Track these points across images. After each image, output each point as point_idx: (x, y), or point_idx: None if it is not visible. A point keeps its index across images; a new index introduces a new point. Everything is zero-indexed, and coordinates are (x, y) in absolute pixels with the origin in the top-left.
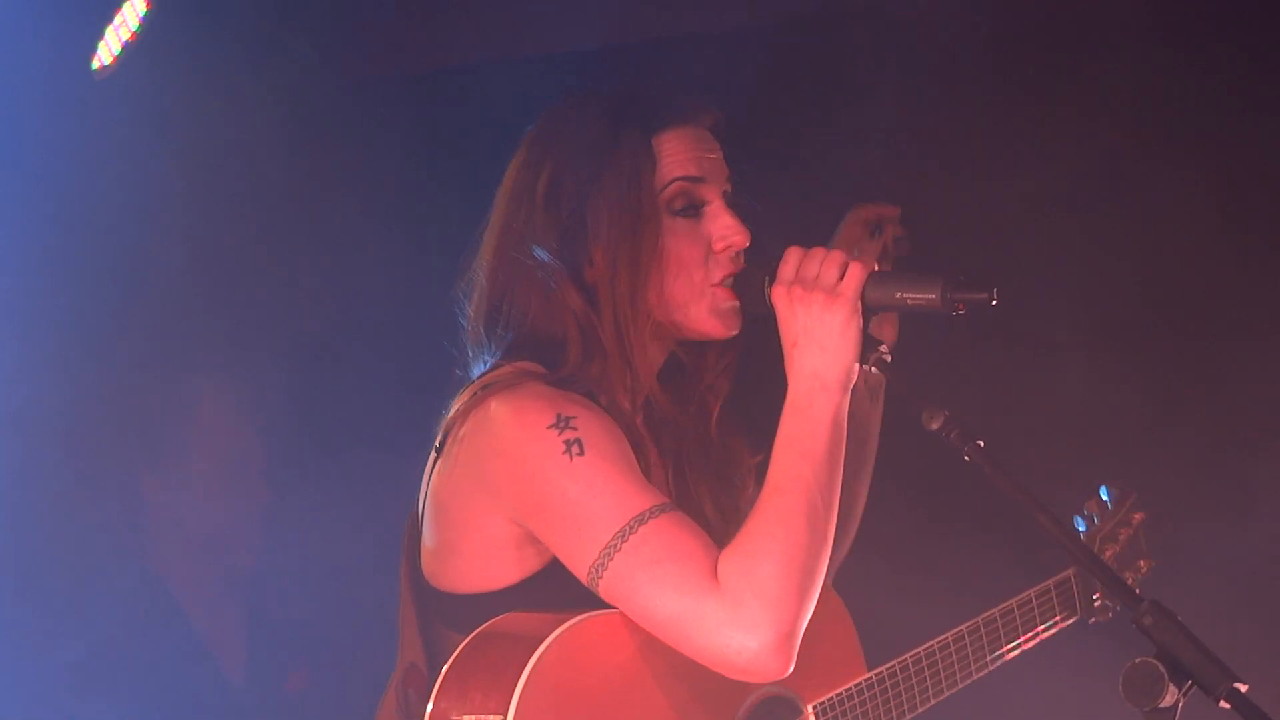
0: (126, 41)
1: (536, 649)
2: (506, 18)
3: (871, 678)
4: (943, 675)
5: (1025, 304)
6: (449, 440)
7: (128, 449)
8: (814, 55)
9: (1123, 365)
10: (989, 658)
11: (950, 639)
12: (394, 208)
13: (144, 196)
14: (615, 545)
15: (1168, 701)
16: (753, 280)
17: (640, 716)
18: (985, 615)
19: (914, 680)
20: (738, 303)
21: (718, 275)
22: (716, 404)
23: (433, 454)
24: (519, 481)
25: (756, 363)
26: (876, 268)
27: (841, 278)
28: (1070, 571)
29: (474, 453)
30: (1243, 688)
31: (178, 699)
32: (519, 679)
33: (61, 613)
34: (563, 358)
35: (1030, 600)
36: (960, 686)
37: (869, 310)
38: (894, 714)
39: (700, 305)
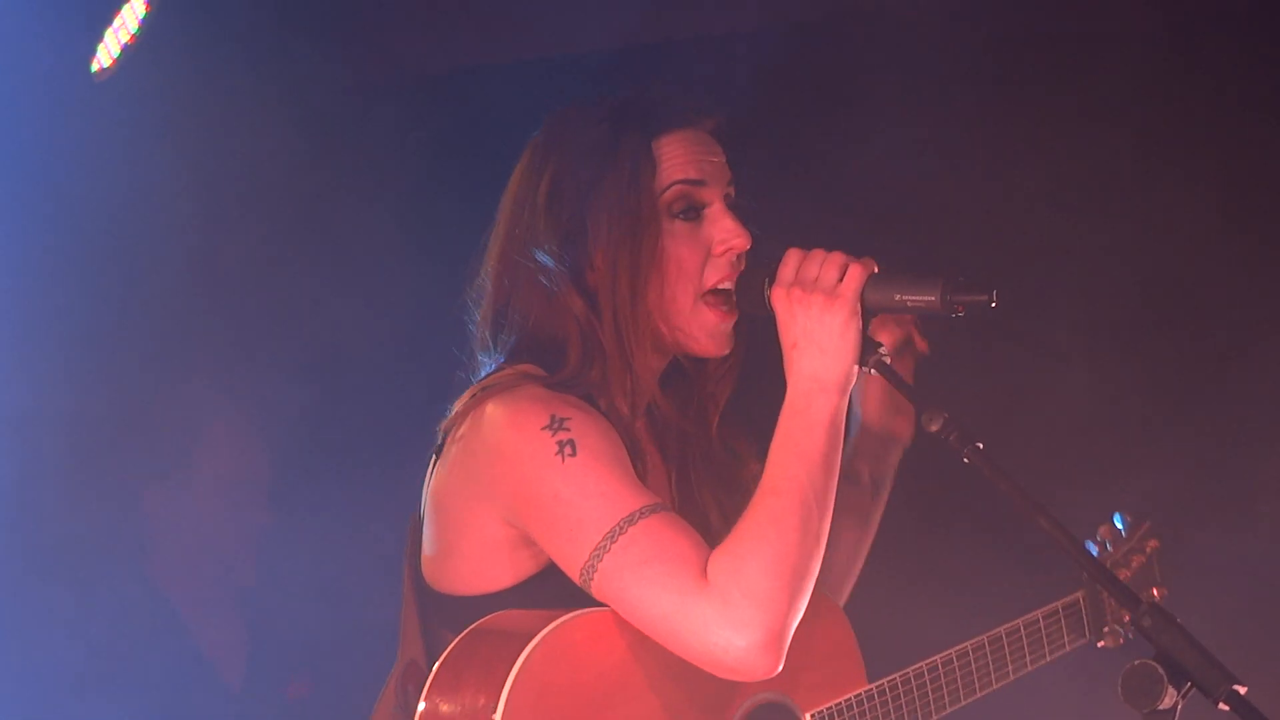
0: (126, 44)
1: (528, 644)
2: (512, 20)
3: (872, 689)
4: (945, 692)
5: (1026, 305)
6: (447, 442)
7: (130, 454)
8: (815, 57)
9: (1123, 366)
10: (993, 678)
11: (954, 655)
12: (398, 210)
13: (146, 199)
14: (605, 546)
15: (1167, 703)
16: (752, 282)
17: (630, 714)
18: (991, 634)
19: (915, 695)
20: (730, 323)
21: (715, 278)
22: (718, 408)
23: (433, 456)
24: (513, 482)
25: (759, 366)
26: (876, 269)
27: (841, 279)
28: (1079, 595)
29: (470, 454)
30: (1242, 690)
31: (178, 705)
32: (509, 674)
33: (63, 617)
34: (563, 361)
35: (1038, 622)
36: (963, 703)
37: (869, 312)
38: None
39: (692, 322)
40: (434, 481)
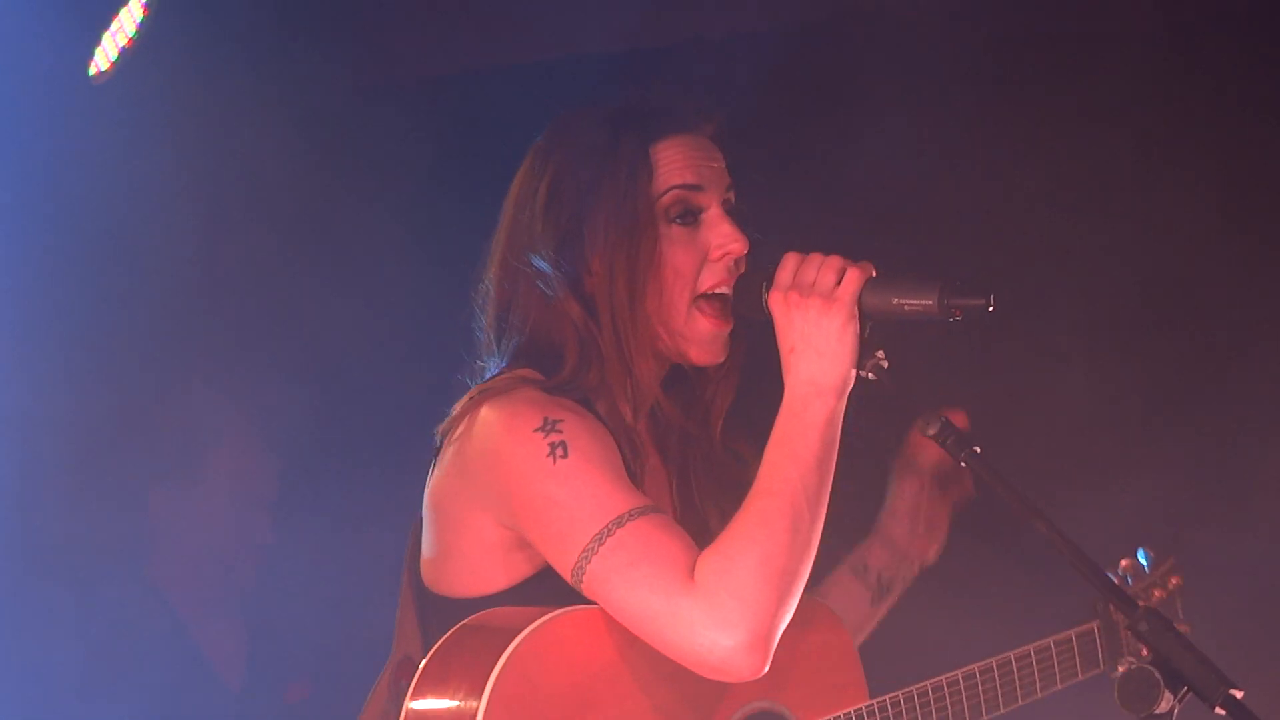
0: (123, 47)
1: (515, 638)
2: (514, 22)
3: (873, 705)
4: (950, 713)
5: (1025, 306)
6: (445, 445)
7: (131, 456)
8: (815, 59)
9: (1123, 367)
10: (1001, 702)
11: (960, 677)
12: (400, 212)
13: (147, 200)
14: (594, 547)
15: (1163, 708)
16: (750, 286)
17: (617, 714)
18: (1000, 658)
19: (917, 714)
20: (726, 330)
21: (710, 282)
22: (721, 411)
23: (432, 459)
24: (506, 484)
25: (762, 369)
26: (874, 273)
27: (838, 283)
28: (1095, 624)
29: (465, 457)
30: (1238, 694)
31: (177, 706)
32: (494, 666)
33: (63, 618)
34: (561, 365)
35: (1049, 648)
36: None
37: (866, 316)
38: None
39: (687, 331)
40: (432, 484)
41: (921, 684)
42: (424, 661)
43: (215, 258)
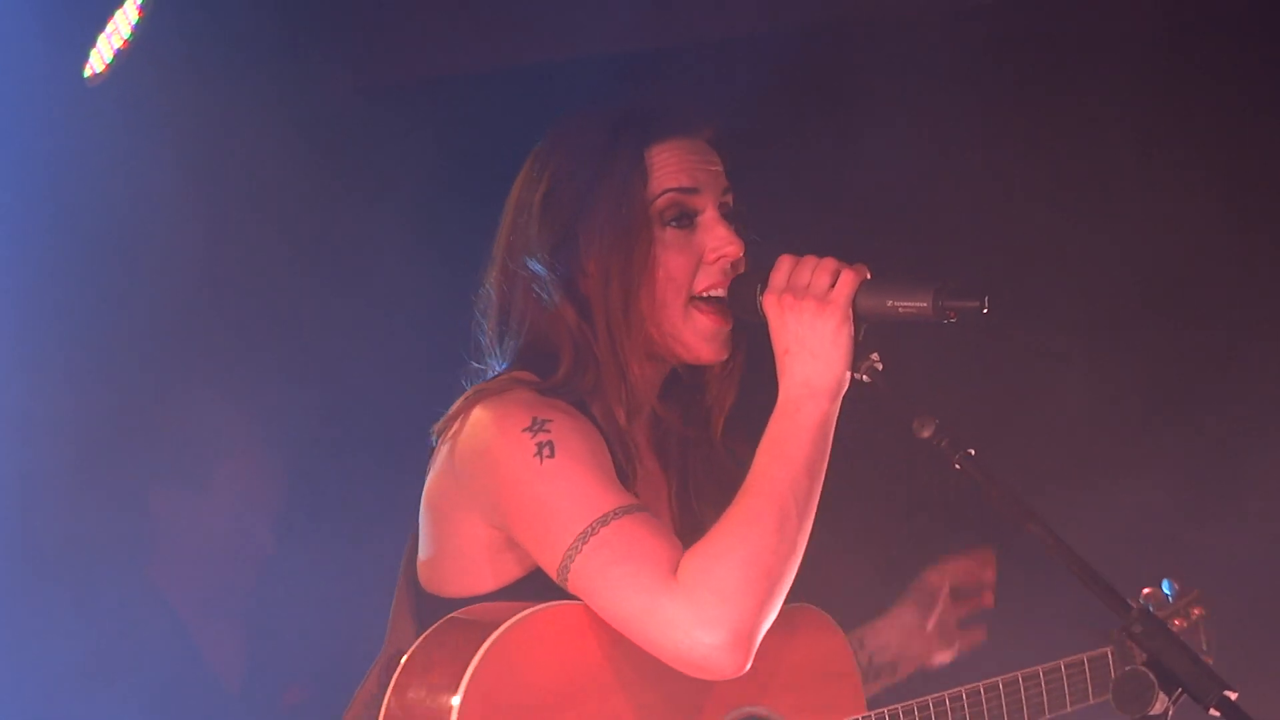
0: (118, 49)
1: (496, 630)
2: (516, 23)
3: (870, 715)
4: None
5: (1024, 306)
6: (439, 445)
7: (131, 457)
8: (815, 60)
9: (1121, 367)
10: None
11: (963, 693)
12: (401, 214)
13: (147, 201)
14: (578, 545)
15: (1158, 709)
16: (745, 288)
17: (597, 710)
18: (1007, 677)
19: None
20: (727, 327)
21: (705, 284)
22: (721, 416)
23: (430, 459)
24: (494, 483)
25: (766, 373)
26: (869, 275)
27: (833, 285)
28: (1108, 649)
29: (457, 456)
30: (1233, 695)
31: (176, 708)
32: (474, 657)
33: (62, 619)
34: (557, 367)
35: (1059, 670)
36: None
37: (861, 318)
38: None
39: (686, 328)
40: (427, 484)
41: (923, 698)
42: (408, 652)
43: (215, 259)
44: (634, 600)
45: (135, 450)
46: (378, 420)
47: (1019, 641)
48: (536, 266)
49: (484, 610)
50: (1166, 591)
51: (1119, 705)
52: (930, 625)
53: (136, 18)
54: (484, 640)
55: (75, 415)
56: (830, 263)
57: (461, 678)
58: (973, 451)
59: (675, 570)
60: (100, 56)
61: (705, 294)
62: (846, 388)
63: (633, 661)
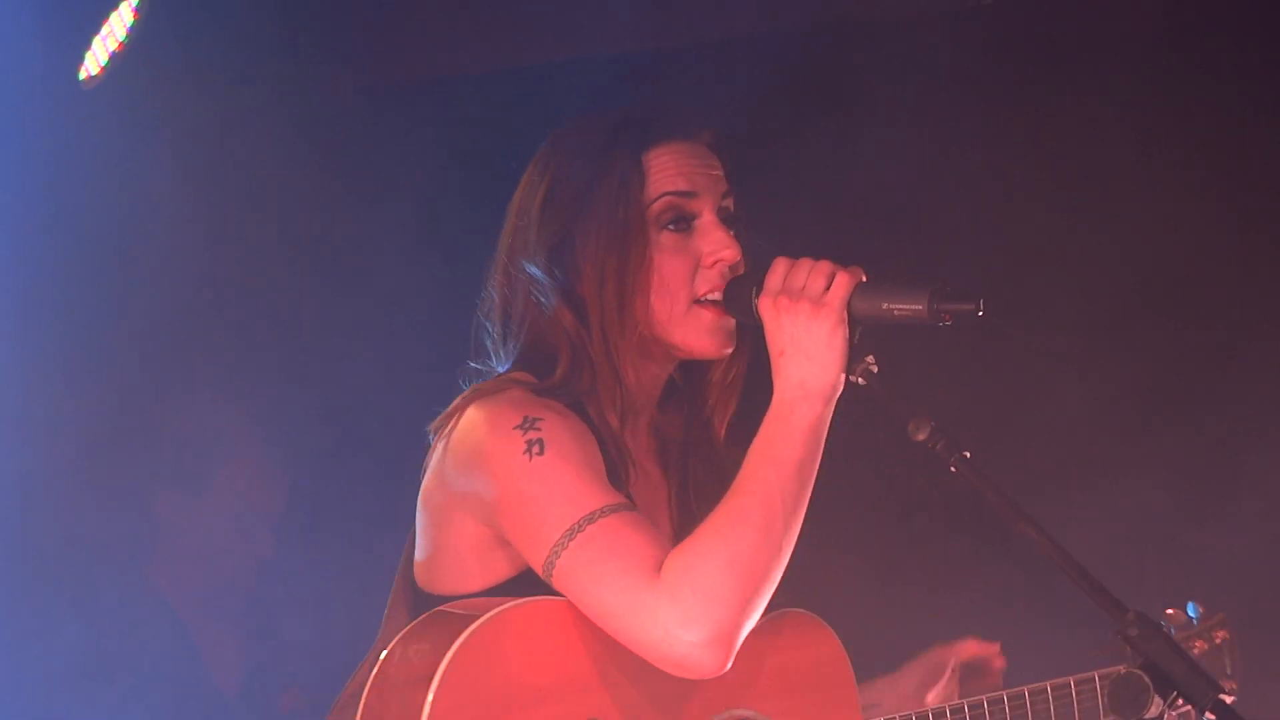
0: (114, 52)
1: (476, 622)
2: (520, 25)
3: None
4: None
5: (1024, 308)
6: (434, 444)
7: (132, 460)
8: (816, 63)
9: (1119, 367)
10: None
11: (965, 706)
12: (404, 216)
13: (148, 203)
14: (564, 542)
15: (1153, 713)
16: (741, 291)
17: (577, 707)
18: (1013, 691)
19: None
20: (731, 322)
21: (705, 288)
22: (724, 421)
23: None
24: (484, 480)
25: (762, 377)
26: (864, 278)
27: (828, 288)
28: (1122, 668)
29: (450, 454)
30: (1228, 699)
31: (174, 711)
32: (451, 647)
33: (61, 620)
34: (554, 369)
35: (1068, 686)
36: None
37: (856, 321)
38: None
39: (687, 325)
40: (423, 482)
41: (922, 709)
42: (392, 642)
43: (214, 260)
44: (616, 596)
45: (135, 452)
46: (378, 421)
47: (1019, 643)
48: (534, 269)
49: (470, 605)
50: (1191, 614)
51: (1114, 709)
52: (929, 699)
53: (132, 20)
54: (462, 632)
55: (75, 418)
56: (825, 265)
57: (437, 669)
58: (968, 454)
59: (659, 568)
60: (95, 59)
61: (704, 298)
62: (841, 390)
63: (617, 660)
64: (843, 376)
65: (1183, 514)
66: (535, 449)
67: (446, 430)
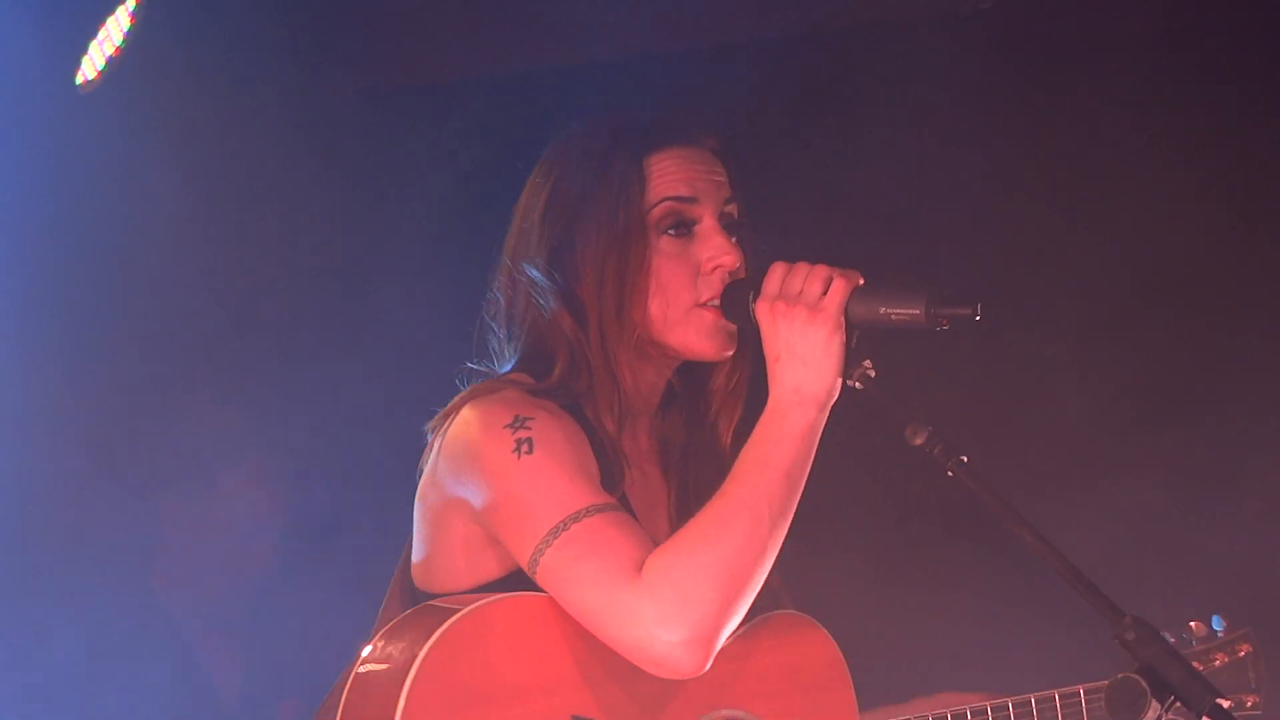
0: (110, 56)
1: (454, 615)
2: (524, 28)
3: None
4: None
5: (1024, 309)
6: (430, 443)
7: (133, 464)
8: (817, 66)
9: (1120, 369)
10: None
11: (968, 711)
12: (404, 219)
13: (144, 207)
14: (549, 540)
15: (1150, 717)
16: (738, 295)
17: (553, 701)
18: (1018, 698)
19: None
20: (731, 324)
21: (706, 295)
22: (730, 426)
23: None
24: (474, 478)
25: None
26: (861, 282)
27: (825, 293)
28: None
29: (443, 453)
30: (1225, 703)
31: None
32: (430, 637)
33: (61, 627)
34: (551, 370)
35: (1077, 695)
36: None
37: (853, 325)
38: None
39: (687, 327)
40: (419, 482)
41: (923, 715)
42: (380, 632)
43: (216, 265)
44: (596, 595)
45: (135, 457)
46: (381, 427)
47: (1018, 644)
48: (535, 272)
49: (457, 600)
50: (1216, 627)
51: (1111, 713)
52: None
53: (129, 25)
54: (442, 624)
55: (75, 423)
56: (822, 270)
57: (415, 660)
58: (965, 458)
59: (640, 568)
60: (92, 64)
61: (704, 304)
62: (837, 396)
63: (601, 659)
64: (838, 382)
65: (1183, 514)
66: (524, 448)
67: (442, 429)
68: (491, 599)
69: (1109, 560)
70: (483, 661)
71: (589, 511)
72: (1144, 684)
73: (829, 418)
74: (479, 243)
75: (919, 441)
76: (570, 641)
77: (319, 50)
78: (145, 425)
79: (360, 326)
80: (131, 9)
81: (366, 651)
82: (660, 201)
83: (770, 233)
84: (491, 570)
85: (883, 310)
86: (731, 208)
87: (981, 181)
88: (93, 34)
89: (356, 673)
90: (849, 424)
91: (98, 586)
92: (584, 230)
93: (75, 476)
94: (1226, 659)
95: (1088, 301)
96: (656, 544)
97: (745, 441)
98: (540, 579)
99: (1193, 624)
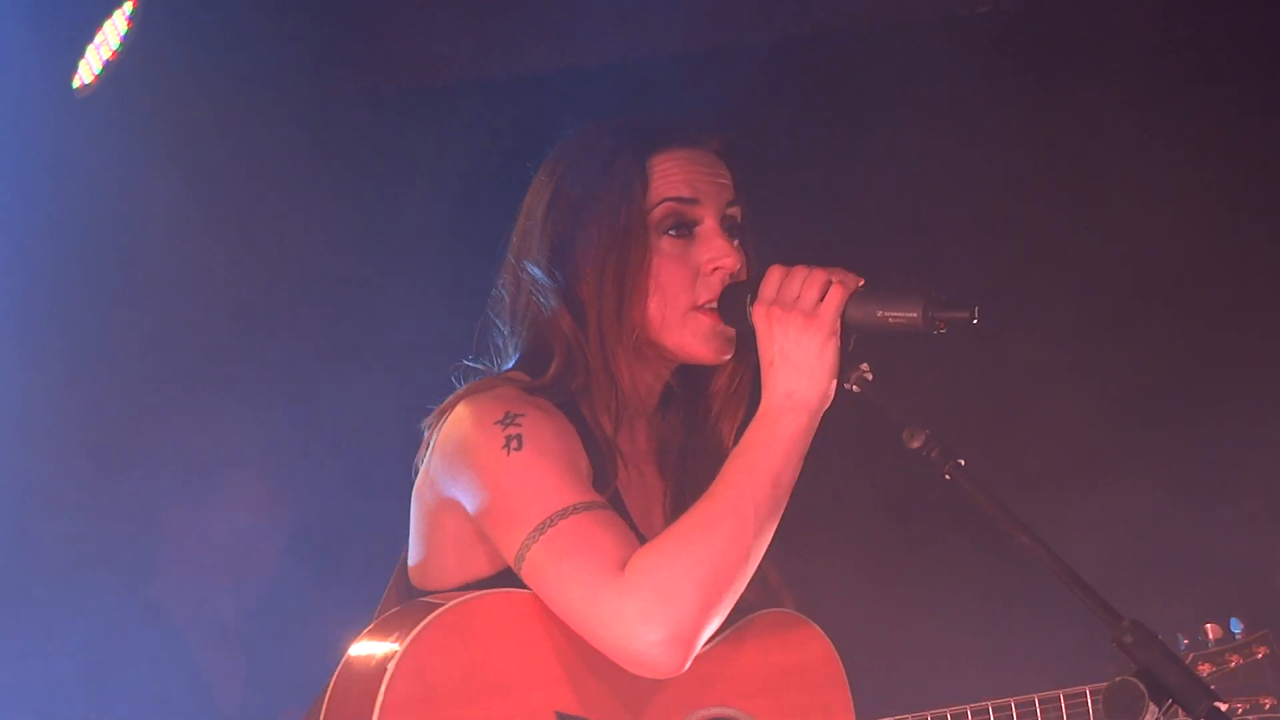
0: (107, 60)
1: (438, 609)
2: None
3: None
4: None
5: (1024, 310)
6: (425, 440)
7: (136, 469)
8: (819, 68)
9: (1117, 370)
10: None
11: (969, 711)
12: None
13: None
14: (535, 537)
15: None
16: (735, 298)
17: (534, 697)
18: (1021, 698)
19: None
20: (728, 328)
21: (704, 297)
22: (733, 428)
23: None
24: (464, 473)
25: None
26: (860, 285)
27: (821, 299)
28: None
29: (436, 449)
30: (1223, 707)
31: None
32: (414, 629)
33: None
34: (546, 369)
35: (1083, 696)
36: None
37: (850, 330)
38: None
39: (684, 330)
40: (416, 479)
41: (921, 713)
42: (371, 623)
43: (218, 269)
44: (578, 592)
45: (136, 462)
46: (383, 433)
47: (1017, 645)
48: (536, 270)
49: (444, 597)
50: (1234, 630)
51: (1110, 716)
52: None
53: (125, 29)
54: (424, 619)
55: (76, 427)
56: (820, 276)
57: (395, 655)
58: (963, 462)
59: (624, 567)
60: (89, 67)
61: (703, 306)
62: (830, 403)
63: (585, 656)
64: (832, 389)
65: (1183, 514)
66: (514, 444)
67: (437, 426)
68: (476, 595)
69: (1108, 561)
70: (465, 657)
71: (576, 509)
72: (1142, 687)
73: (827, 421)
74: (484, 246)
75: (916, 445)
76: (554, 638)
77: (319, 52)
78: (146, 427)
79: (362, 329)
80: (128, 13)
81: (350, 648)
82: (661, 201)
83: (768, 234)
84: (482, 568)
85: (880, 314)
86: (734, 211)
87: (981, 183)
88: (89, 38)
89: (340, 668)
90: (847, 427)
91: (98, 595)
92: (585, 229)
93: (76, 478)
94: (1242, 660)
95: (1087, 302)
96: None
97: None
98: (525, 575)
99: (1208, 626)
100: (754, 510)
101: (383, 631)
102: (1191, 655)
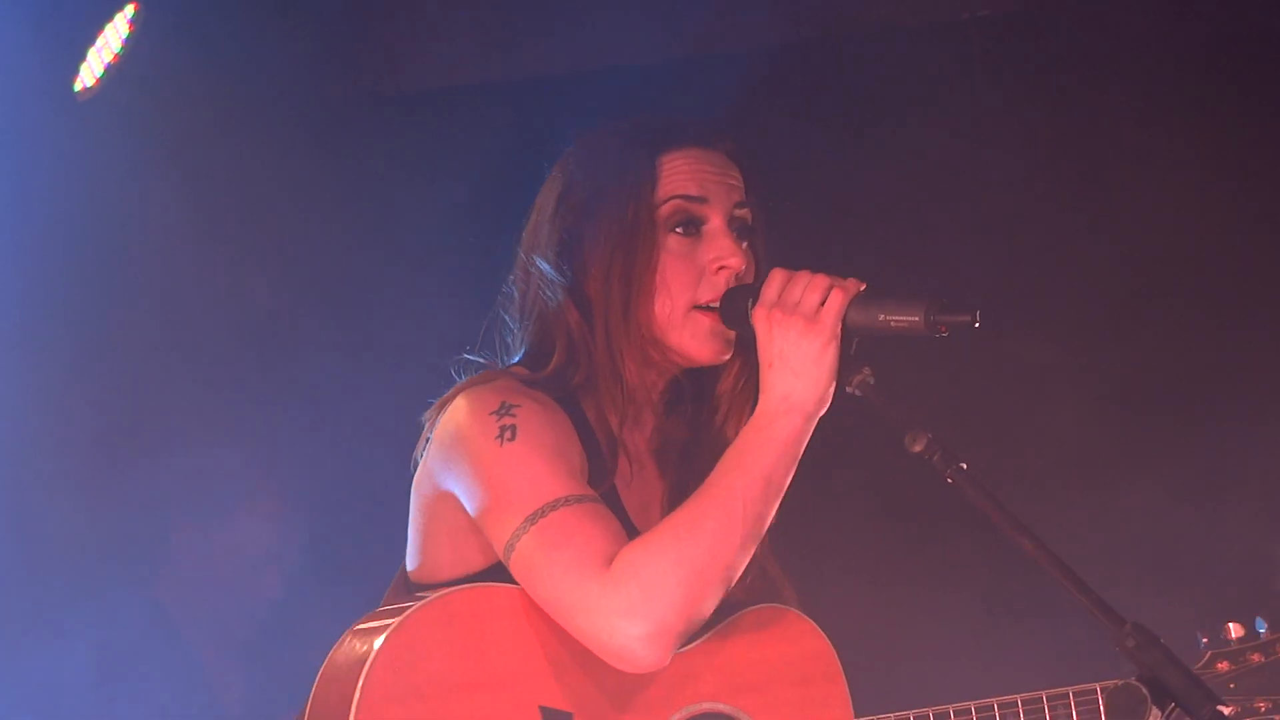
0: (109, 64)
1: (423, 600)
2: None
3: None
4: None
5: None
6: (424, 433)
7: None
8: (820, 72)
9: (1117, 371)
10: None
11: (973, 708)
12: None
13: (144, 213)
14: (524, 528)
15: None
16: (737, 300)
17: (517, 691)
18: (1028, 695)
19: None
20: (728, 330)
21: (706, 296)
22: (737, 429)
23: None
24: (458, 464)
25: None
26: (863, 288)
27: (823, 304)
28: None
29: (434, 442)
30: (1225, 710)
31: None
32: (396, 621)
33: (65, 639)
34: (548, 363)
35: (1094, 693)
36: None
37: (851, 333)
38: None
39: (684, 330)
40: (415, 473)
41: (922, 709)
42: (363, 618)
43: (217, 271)
44: (562, 584)
45: (138, 465)
46: (388, 435)
47: (1016, 645)
48: (545, 265)
49: (433, 591)
50: (1259, 629)
51: (1111, 718)
52: None
53: (127, 32)
54: (406, 611)
55: (76, 427)
56: (821, 280)
57: (375, 646)
58: (965, 465)
59: (610, 561)
60: (91, 71)
61: (706, 305)
62: (827, 407)
63: (570, 650)
64: (829, 393)
65: (1183, 514)
66: (507, 435)
67: (436, 419)
68: (460, 588)
69: (1109, 562)
70: (448, 650)
71: (565, 501)
72: (1144, 690)
73: (829, 424)
74: (488, 247)
75: (918, 448)
76: (540, 633)
77: (321, 54)
78: (150, 430)
79: (367, 331)
80: (130, 16)
81: (336, 645)
82: (670, 199)
83: (772, 236)
84: (474, 562)
85: (882, 317)
86: (744, 213)
87: (983, 185)
88: (91, 41)
89: (325, 662)
90: (848, 430)
91: (105, 595)
92: (594, 225)
93: (80, 482)
94: (1264, 659)
95: (1088, 303)
96: None
97: None
98: (513, 565)
99: (1231, 625)
100: (743, 510)
101: (367, 625)
102: (1210, 653)
